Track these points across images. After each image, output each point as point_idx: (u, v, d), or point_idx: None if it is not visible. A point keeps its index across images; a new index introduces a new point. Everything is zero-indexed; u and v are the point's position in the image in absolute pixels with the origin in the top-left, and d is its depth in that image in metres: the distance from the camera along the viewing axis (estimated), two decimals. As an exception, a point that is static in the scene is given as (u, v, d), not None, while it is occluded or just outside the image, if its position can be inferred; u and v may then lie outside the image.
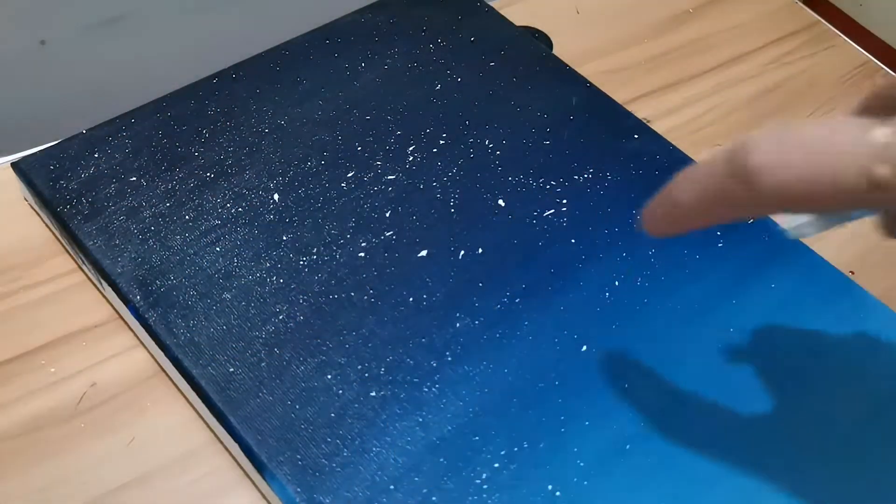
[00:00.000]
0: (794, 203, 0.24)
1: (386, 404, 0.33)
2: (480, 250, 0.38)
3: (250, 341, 0.34)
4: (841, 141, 0.23)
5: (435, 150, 0.42)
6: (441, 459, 0.32)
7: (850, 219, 0.29)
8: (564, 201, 0.40)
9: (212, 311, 0.35)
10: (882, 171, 0.23)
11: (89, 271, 0.38)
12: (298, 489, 0.31)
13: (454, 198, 0.40)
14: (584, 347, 0.35)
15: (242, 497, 0.33)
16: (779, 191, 0.24)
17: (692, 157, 0.43)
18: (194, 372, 0.33)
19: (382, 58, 0.46)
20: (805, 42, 0.54)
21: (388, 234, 0.38)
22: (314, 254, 0.37)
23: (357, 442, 0.32)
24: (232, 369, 0.34)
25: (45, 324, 0.37)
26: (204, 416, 0.34)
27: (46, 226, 0.40)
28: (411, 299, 0.36)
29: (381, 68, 0.45)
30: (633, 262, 0.38)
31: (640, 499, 0.32)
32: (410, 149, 0.42)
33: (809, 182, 0.24)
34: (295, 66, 0.44)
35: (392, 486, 0.31)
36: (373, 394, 0.33)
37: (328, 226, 0.38)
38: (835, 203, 0.24)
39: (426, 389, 0.34)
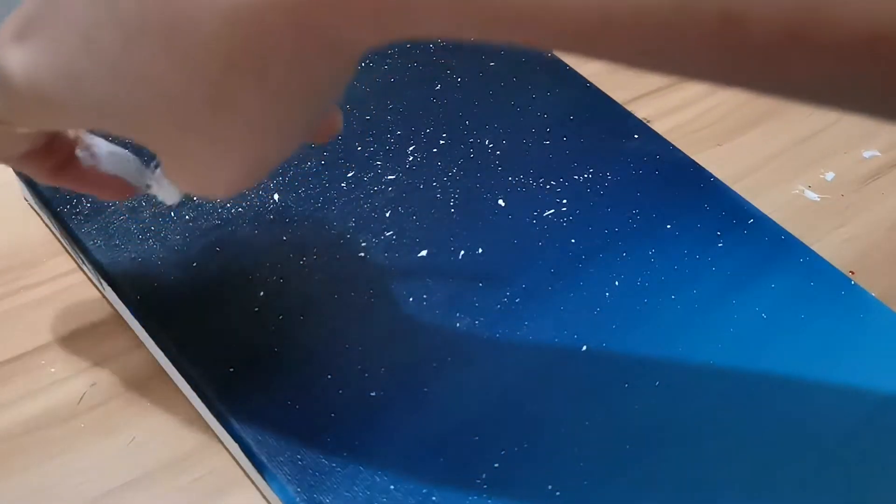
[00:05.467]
0: None
1: (386, 404, 0.33)
2: (480, 250, 0.38)
3: (250, 341, 0.34)
4: None
5: (435, 150, 0.42)
6: (441, 459, 0.32)
7: (147, 186, 0.31)
8: (564, 201, 0.40)
9: (212, 311, 0.35)
10: None
11: (89, 271, 0.38)
12: (298, 489, 0.31)
13: (454, 198, 0.40)
14: (584, 347, 0.35)
15: (242, 497, 0.33)
16: None
17: (692, 157, 0.43)
18: (194, 372, 0.33)
19: (382, 58, 0.46)
20: (805, 42, 0.53)
21: (388, 234, 0.38)
22: (314, 254, 0.37)
23: (357, 442, 0.32)
24: (232, 369, 0.34)
25: (45, 324, 0.37)
26: (204, 416, 0.34)
27: (46, 226, 0.40)
28: (411, 299, 0.36)
29: (381, 68, 0.45)
30: (633, 262, 0.38)
31: (640, 499, 0.32)
32: (410, 149, 0.42)
33: None
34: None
35: (392, 486, 0.31)
36: (373, 394, 0.33)
37: (328, 226, 0.38)
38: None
39: (426, 389, 0.34)
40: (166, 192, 0.31)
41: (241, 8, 0.20)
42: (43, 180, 0.30)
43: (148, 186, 0.31)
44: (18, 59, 0.23)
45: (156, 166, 0.31)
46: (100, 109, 0.23)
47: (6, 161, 0.29)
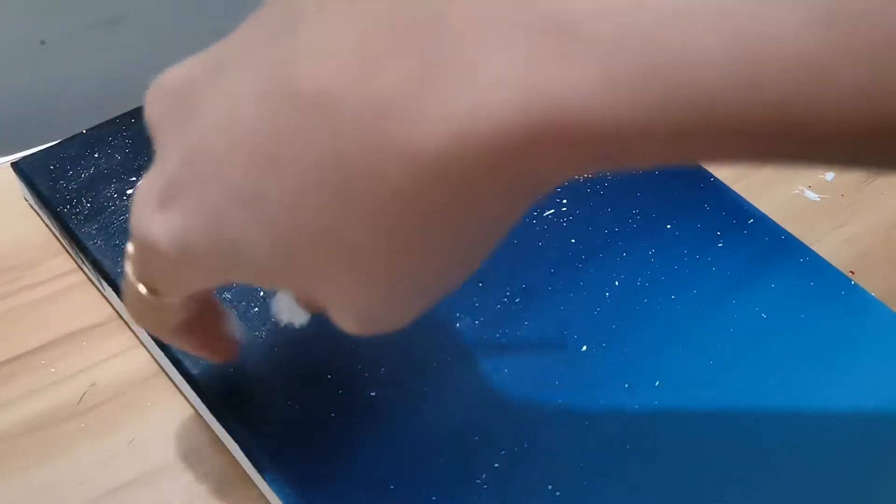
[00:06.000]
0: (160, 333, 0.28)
1: (386, 404, 0.33)
2: (480, 250, 0.38)
3: (250, 341, 0.34)
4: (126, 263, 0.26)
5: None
6: (441, 459, 0.32)
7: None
8: (564, 201, 0.40)
9: (212, 311, 0.35)
10: (129, 269, 0.25)
11: (89, 271, 0.38)
12: (298, 489, 0.31)
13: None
14: (584, 347, 0.35)
15: (242, 497, 0.33)
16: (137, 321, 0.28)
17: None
18: (194, 372, 0.33)
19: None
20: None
21: (388, 234, 0.38)
22: (314, 254, 0.37)
23: (357, 442, 0.32)
24: (232, 369, 0.34)
25: (45, 324, 0.37)
26: (204, 416, 0.34)
27: (46, 226, 0.40)
28: (411, 299, 0.36)
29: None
30: (633, 262, 0.38)
31: (640, 499, 0.32)
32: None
33: (127, 300, 0.27)
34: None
35: (392, 486, 0.31)
36: (373, 394, 0.33)
37: (328, 226, 0.38)
38: (152, 313, 0.27)
39: (426, 389, 0.34)
40: (295, 315, 0.30)
41: (433, 159, 0.18)
42: (198, 353, 0.30)
43: (275, 315, 0.30)
44: (166, 225, 0.22)
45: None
46: (259, 266, 0.22)
47: (162, 335, 0.28)
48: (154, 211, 0.22)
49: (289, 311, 0.30)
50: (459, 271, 0.22)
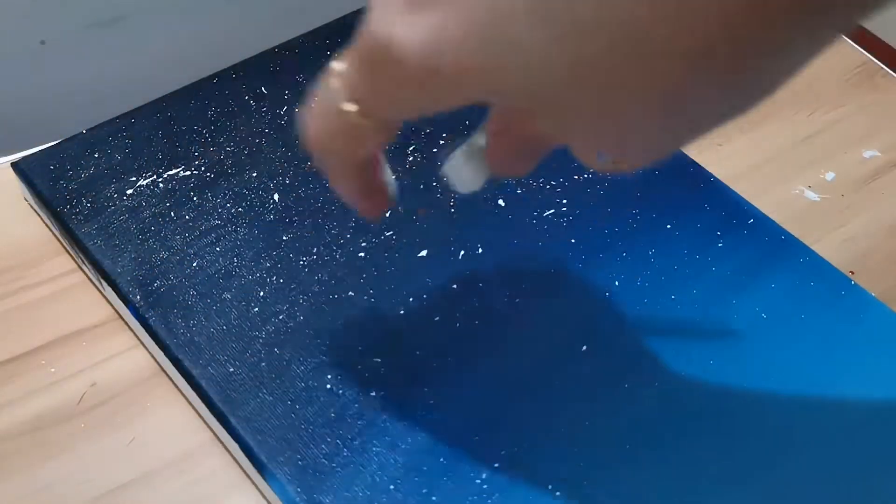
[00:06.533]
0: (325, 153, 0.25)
1: (386, 404, 0.33)
2: (480, 250, 0.38)
3: (250, 341, 0.34)
4: (323, 83, 0.24)
5: (435, 150, 0.42)
6: (441, 459, 0.32)
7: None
8: (564, 201, 0.40)
9: (212, 311, 0.35)
10: (341, 98, 0.23)
11: (89, 271, 0.38)
12: (298, 489, 0.31)
13: (454, 198, 0.40)
14: (584, 347, 0.35)
15: (242, 497, 0.33)
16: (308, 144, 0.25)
17: (692, 157, 0.43)
18: (194, 372, 0.33)
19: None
20: (805, 42, 0.53)
21: (388, 234, 0.38)
22: (314, 254, 0.37)
23: (357, 442, 0.32)
24: (232, 369, 0.34)
25: (45, 324, 0.37)
26: (204, 416, 0.34)
27: (46, 226, 0.40)
28: (411, 299, 0.36)
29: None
30: (633, 262, 0.38)
31: (640, 499, 0.32)
32: (410, 149, 0.42)
33: (317, 124, 0.24)
34: (295, 66, 0.44)
35: (392, 486, 0.31)
36: (373, 394, 0.33)
37: (328, 226, 0.38)
38: (347, 140, 0.24)
39: (426, 389, 0.34)
40: (464, 179, 0.27)
41: None
42: (360, 198, 0.27)
43: (443, 174, 0.28)
44: (415, 30, 0.20)
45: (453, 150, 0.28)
46: (531, 84, 0.19)
47: (343, 168, 0.26)
48: (403, 12, 0.20)
49: (458, 174, 0.27)
50: (761, 97, 0.20)
